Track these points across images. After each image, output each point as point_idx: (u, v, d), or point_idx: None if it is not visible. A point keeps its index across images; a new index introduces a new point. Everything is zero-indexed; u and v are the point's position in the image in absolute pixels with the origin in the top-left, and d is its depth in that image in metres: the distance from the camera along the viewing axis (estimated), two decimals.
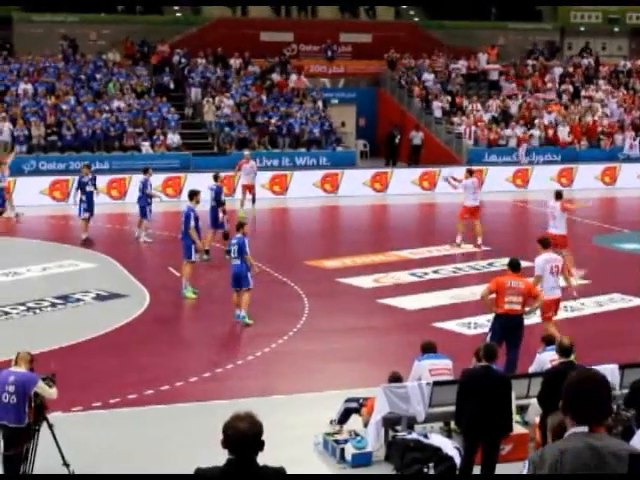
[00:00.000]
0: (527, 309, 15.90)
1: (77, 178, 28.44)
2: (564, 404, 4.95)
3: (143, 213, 27.87)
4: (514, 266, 16.11)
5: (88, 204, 27.74)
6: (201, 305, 19.87)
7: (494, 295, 15.82)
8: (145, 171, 28.73)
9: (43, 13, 44.37)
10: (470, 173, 28.74)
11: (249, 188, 32.41)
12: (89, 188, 27.92)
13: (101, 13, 45.93)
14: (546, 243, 17.94)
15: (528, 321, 16.25)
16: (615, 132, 43.86)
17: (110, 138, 37.77)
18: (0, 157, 31.59)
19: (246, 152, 34.52)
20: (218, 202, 25.84)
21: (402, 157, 43.23)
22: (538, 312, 16.91)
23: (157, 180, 34.92)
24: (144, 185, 28.24)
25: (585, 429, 4.85)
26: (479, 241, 27.28)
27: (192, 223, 21.58)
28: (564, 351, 12.04)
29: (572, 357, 12.12)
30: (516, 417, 12.76)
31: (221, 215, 25.69)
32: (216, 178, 26.79)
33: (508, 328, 15.54)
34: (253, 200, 32.03)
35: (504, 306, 15.62)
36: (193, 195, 22.46)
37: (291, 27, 47.80)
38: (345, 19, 50.28)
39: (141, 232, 27.79)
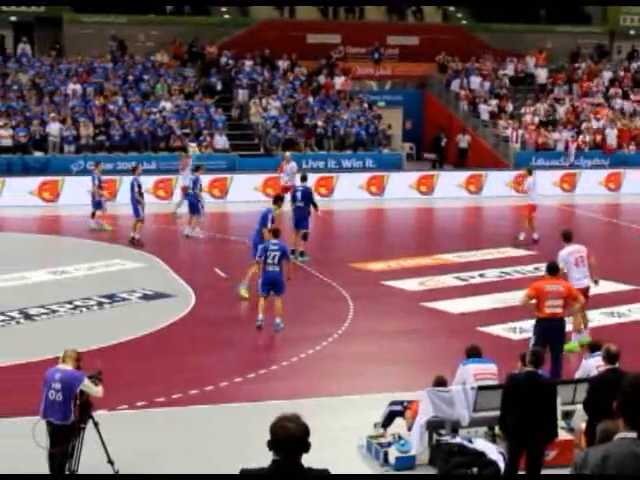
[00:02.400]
0: (567, 312, 15.90)
1: (131, 178, 28.50)
2: (617, 406, 4.91)
3: (195, 209, 28.20)
4: (552, 270, 16.13)
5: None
6: (247, 306, 19.91)
7: (534, 300, 15.77)
8: (196, 169, 29.36)
9: (93, 14, 44.72)
10: (529, 172, 29.60)
11: (289, 189, 32.30)
12: (143, 189, 28.15)
13: (150, 14, 46.19)
14: (568, 236, 18.58)
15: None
16: None
17: (157, 138, 37.99)
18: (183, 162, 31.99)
19: (286, 153, 34.63)
20: (306, 202, 25.84)
21: (449, 160, 43.13)
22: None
23: (204, 181, 35.08)
24: (194, 183, 28.58)
25: (634, 435, 4.80)
26: (536, 236, 27.84)
27: (268, 224, 21.60)
28: (611, 358, 11.93)
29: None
30: (561, 423, 12.67)
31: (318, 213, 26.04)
32: (304, 179, 27.37)
33: (550, 332, 15.52)
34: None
35: (545, 310, 15.57)
36: (278, 200, 22.83)
37: (338, 29, 47.81)
38: (392, 21, 50.23)
39: (191, 228, 28.17)
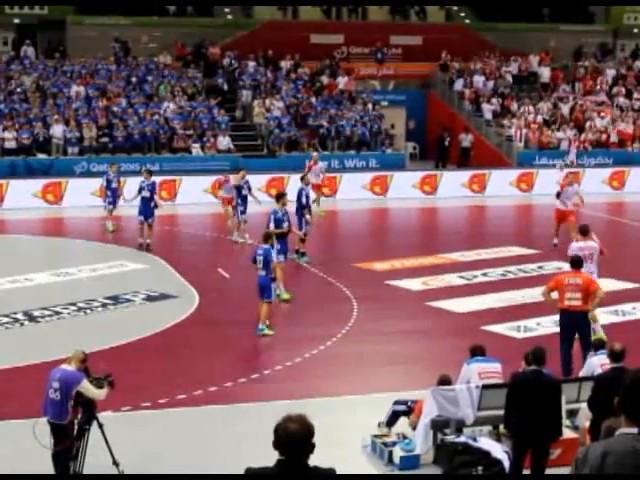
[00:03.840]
0: (588, 306, 15.97)
1: (139, 182, 27.91)
2: (619, 402, 4.90)
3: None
4: (574, 263, 16.45)
5: (142, 209, 27.05)
6: (250, 307, 19.89)
7: (556, 293, 16.11)
8: (238, 171, 29.17)
9: (96, 16, 44.78)
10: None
11: (317, 188, 32.74)
12: (144, 193, 27.25)
13: (153, 16, 46.22)
14: (584, 231, 19.15)
15: None
16: None
17: (161, 140, 38.01)
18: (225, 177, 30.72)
19: (314, 154, 34.90)
20: (307, 204, 25.75)
21: (452, 160, 43.11)
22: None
23: (207, 182, 35.14)
24: (243, 187, 28.38)
25: (635, 430, 4.78)
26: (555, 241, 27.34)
27: (270, 226, 21.63)
28: (615, 356, 11.92)
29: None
30: (566, 421, 12.67)
31: (308, 217, 25.58)
32: (303, 178, 27.19)
33: (570, 324, 15.85)
34: (318, 201, 32.23)
35: (565, 302, 15.91)
36: (280, 197, 22.70)
37: (341, 29, 47.82)
38: (395, 21, 50.22)
39: (238, 234, 28.10)
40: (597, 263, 18.93)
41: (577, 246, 18.74)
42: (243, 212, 27.91)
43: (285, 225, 22.11)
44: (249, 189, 28.31)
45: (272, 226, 21.73)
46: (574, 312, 15.79)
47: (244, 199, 28.11)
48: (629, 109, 44.99)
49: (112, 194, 29.43)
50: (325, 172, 34.79)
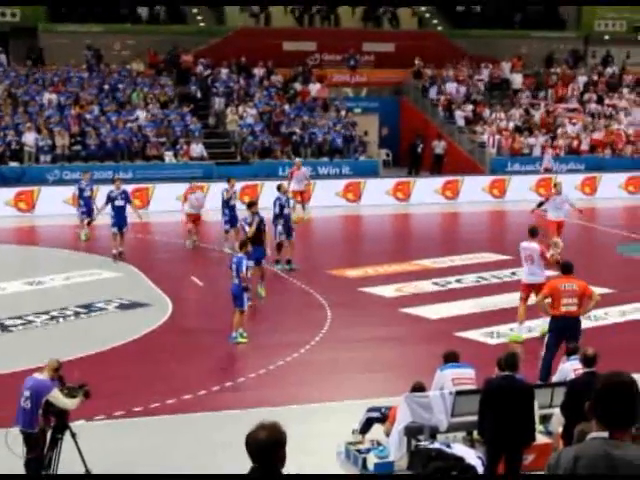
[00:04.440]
0: (583, 310, 16.36)
1: (107, 192, 27.74)
2: (590, 406, 4.92)
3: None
4: (567, 268, 16.64)
5: (116, 219, 26.83)
6: (224, 315, 19.89)
7: (549, 299, 16.27)
8: (228, 180, 28.56)
9: (68, 24, 44.58)
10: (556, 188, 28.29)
11: (300, 194, 32.65)
12: (118, 202, 27.07)
13: (125, 23, 46.09)
14: (532, 232, 19.74)
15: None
16: (639, 141, 43.69)
17: (134, 148, 37.92)
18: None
19: (297, 159, 34.96)
20: (282, 213, 25.29)
21: (425, 166, 43.21)
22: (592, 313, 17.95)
23: (180, 189, 35.03)
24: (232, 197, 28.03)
25: (606, 434, 4.80)
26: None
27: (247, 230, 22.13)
28: (588, 361, 12.00)
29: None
30: (539, 427, 12.71)
31: (279, 227, 25.14)
32: (279, 188, 26.27)
33: (565, 329, 15.96)
34: (303, 206, 32.14)
35: (561, 308, 16.09)
36: (251, 205, 23.04)
37: (314, 36, 47.84)
38: (368, 28, 50.29)
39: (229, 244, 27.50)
40: (540, 265, 19.26)
41: (521, 246, 19.60)
42: (227, 222, 27.47)
43: (247, 229, 22.42)
44: (126, 200, 27.42)
45: (247, 229, 22.33)
46: (570, 318, 16.03)
47: (232, 209, 27.59)
48: (600, 116, 45.26)
49: (85, 203, 29.24)
50: (309, 178, 34.81)
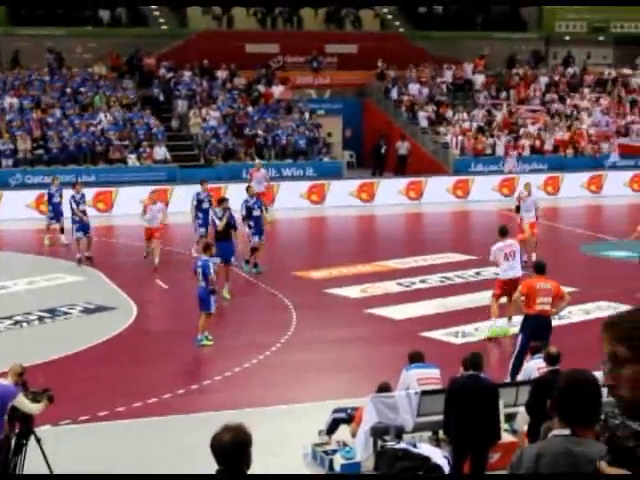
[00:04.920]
0: (554, 310, 16.66)
1: (70, 196, 27.36)
2: (552, 403, 4.95)
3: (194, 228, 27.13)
4: (541, 268, 16.96)
5: (80, 223, 26.61)
6: (189, 318, 19.85)
7: (524, 298, 16.53)
8: (202, 183, 27.91)
9: (29, 27, 44.26)
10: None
11: (261, 195, 32.03)
12: (82, 207, 26.93)
13: (87, 26, 45.84)
14: (503, 231, 20.27)
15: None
16: (601, 140, 44.06)
17: (96, 151, 37.74)
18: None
19: (257, 161, 34.66)
20: (249, 215, 25.07)
21: (389, 167, 43.30)
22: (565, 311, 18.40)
23: (144, 192, 34.92)
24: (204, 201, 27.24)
25: (567, 432, 4.84)
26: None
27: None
28: (551, 360, 12.09)
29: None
30: (504, 425, 12.77)
31: (250, 230, 24.96)
32: (247, 190, 26.20)
33: (539, 328, 16.12)
34: (266, 208, 31.11)
35: (536, 307, 16.31)
36: (222, 202, 23.61)
37: (276, 38, 47.83)
38: (330, 30, 50.32)
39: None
40: (520, 260, 20.15)
41: (497, 247, 19.91)
42: (202, 225, 26.50)
43: (218, 223, 22.87)
44: (210, 202, 26.75)
45: (218, 223, 22.94)
46: (543, 317, 16.30)
47: (205, 212, 26.62)
48: (562, 116, 45.57)
49: (53, 209, 28.92)
50: (269, 179, 34.67)
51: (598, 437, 5.09)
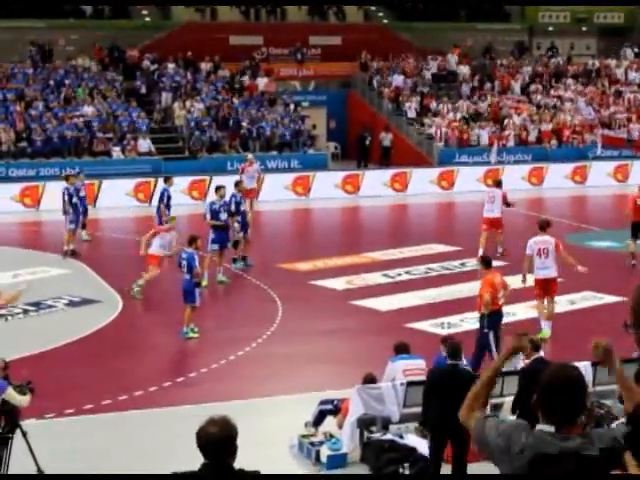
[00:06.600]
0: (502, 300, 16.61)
1: (64, 188, 27.02)
2: (536, 400, 4.95)
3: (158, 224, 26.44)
4: (489, 263, 16.98)
5: (76, 215, 26.63)
6: (174, 310, 19.83)
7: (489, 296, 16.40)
8: (166, 180, 27.60)
9: (10, 19, 44.02)
10: (498, 184, 27.89)
11: (252, 192, 31.28)
12: (75, 200, 26.68)
13: (69, 19, 45.65)
14: (541, 225, 19.35)
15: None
16: (585, 131, 44.15)
17: (80, 144, 37.61)
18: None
19: (249, 155, 34.01)
20: (236, 211, 24.66)
21: (373, 159, 43.31)
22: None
23: (128, 185, 34.93)
24: (162, 195, 27.09)
25: (552, 429, 4.83)
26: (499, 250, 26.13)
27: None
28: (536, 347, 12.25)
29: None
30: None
31: (236, 225, 24.55)
32: (237, 185, 25.88)
33: (498, 323, 16.27)
34: (251, 203, 30.53)
35: (499, 302, 16.35)
36: (219, 189, 24.22)
37: (260, 30, 47.77)
38: (314, 22, 50.29)
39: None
40: (554, 259, 19.04)
41: (533, 240, 19.12)
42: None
43: (222, 217, 23.31)
44: (169, 197, 26.68)
45: (208, 217, 23.31)
46: (500, 311, 16.45)
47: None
48: (546, 106, 45.65)
49: (79, 205, 27.56)
50: (261, 173, 34.27)
51: (584, 426, 5.11)
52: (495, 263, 19.87)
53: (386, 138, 42.80)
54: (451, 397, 11.29)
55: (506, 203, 26.76)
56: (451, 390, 11.34)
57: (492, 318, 16.25)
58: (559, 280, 19.54)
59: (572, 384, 4.89)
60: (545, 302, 19.11)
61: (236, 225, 24.63)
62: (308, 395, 15.01)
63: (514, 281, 18.79)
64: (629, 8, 53.80)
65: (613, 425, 5.92)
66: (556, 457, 4.72)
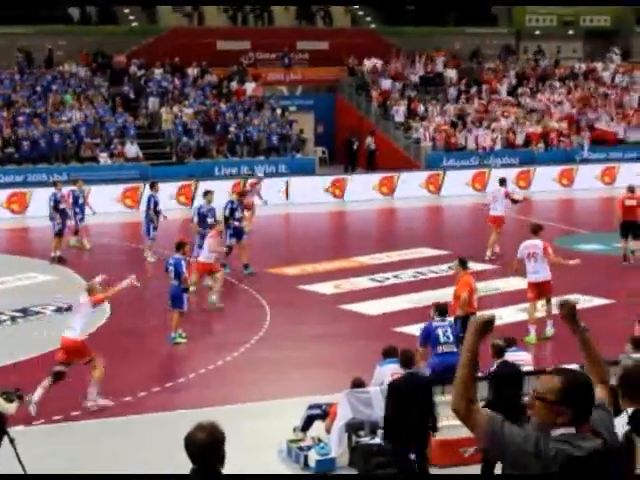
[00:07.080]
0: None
1: (52, 194, 27.20)
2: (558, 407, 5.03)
3: (147, 231, 26.81)
4: (466, 263, 17.28)
5: (64, 221, 26.90)
6: (163, 315, 19.80)
7: (467, 297, 16.53)
8: (152, 186, 27.49)
9: None
10: (501, 182, 28.00)
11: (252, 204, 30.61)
12: (62, 205, 26.86)
13: (57, 24, 45.55)
14: (533, 229, 19.44)
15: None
16: (572, 134, 44.27)
17: (68, 149, 37.55)
18: None
19: (259, 174, 33.28)
20: (232, 217, 24.81)
21: (361, 163, 43.34)
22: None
23: (116, 190, 34.86)
24: (149, 202, 26.89)
25: (573, 430, 4.91)
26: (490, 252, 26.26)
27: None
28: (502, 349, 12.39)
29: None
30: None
31: (229, 231, 24.61)
32: (241, 195, 26.38)
33: None
34: (252, 213, 30.34)
35: (474, 304, 16.53)
36: (207, 193, 24.58)
37: (248, 35, 47.79)
38: (302, 26, 50.31)
39: (147, 252, 26.68)
40: (544, 262, 19.05)
41: (524, 245, 19.18)
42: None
43: (210, 221, 23.39)
44: (157, 203, 26.61)
45: (196, 219, 23.76)
46: (476, 313, 16.22)
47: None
48: (534, 109, 45.75)
49: (81, 210, 28.27)
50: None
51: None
52: (485, 267, 19.97)
53: (371, 142, 42.85)
54: (409, 403, 11.46)
55: (512, 200, 27.34)
56: (409, 398, 11.48)
57: (467, 321, 16.25)
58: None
59: (590, 386, 5.04)
60: (541, 304, 19.16)
61: (229, 231, 24.53)
62: (296, 400, 14.99)
63: (503, 285, 18.86)
64: (615, 12, 53.98)
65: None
66: (588, 457, 4.80)
